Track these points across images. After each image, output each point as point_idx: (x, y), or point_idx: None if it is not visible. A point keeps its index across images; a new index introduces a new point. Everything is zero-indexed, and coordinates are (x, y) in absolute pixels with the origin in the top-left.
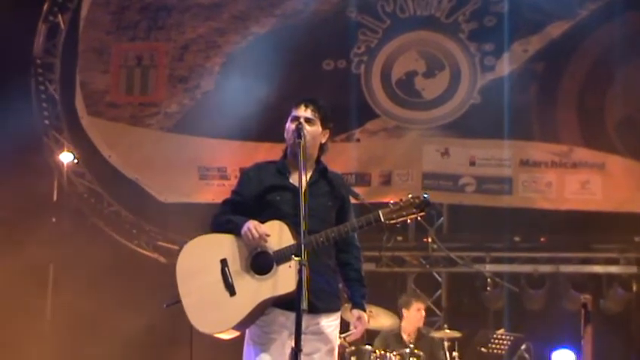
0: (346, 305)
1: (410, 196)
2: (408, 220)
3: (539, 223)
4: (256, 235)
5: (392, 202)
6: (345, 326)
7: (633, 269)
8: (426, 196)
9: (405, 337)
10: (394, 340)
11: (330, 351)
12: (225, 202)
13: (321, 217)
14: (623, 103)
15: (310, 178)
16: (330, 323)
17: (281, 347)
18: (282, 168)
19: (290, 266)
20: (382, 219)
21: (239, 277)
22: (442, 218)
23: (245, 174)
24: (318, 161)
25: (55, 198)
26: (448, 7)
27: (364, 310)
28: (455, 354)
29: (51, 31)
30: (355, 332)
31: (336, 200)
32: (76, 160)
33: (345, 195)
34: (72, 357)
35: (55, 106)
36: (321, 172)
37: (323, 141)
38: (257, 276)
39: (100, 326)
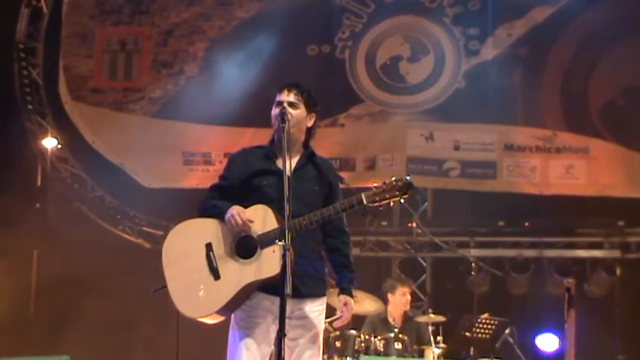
0: (332, 290)
1: (393, 179)
2: (391, 203)
3: (523, 207)
4: (240, 221)
5: (375, 185)
6: (331, 311)
7: (617, 253)
8: (408, 178)
9: (391, 321)
10: (381, 324)
11: (315, 336)
12: (213, 187)
13: (307, 201)
14: (607, 88)
15: (297, 162)
16: (315, 308)
17: (266, 332)
18: (268, 153)
19: (274, 250)
20: (365, 202)
21: (223, 262)
22: (426, 203)
23: (232, 159)
24: (305, 146)
25: (38, 183)
26: None
27: (351, 296)
28: (439, 338)
29: (33, 15)
30: (342, 318)
31: (323, 185)
32: (59, 146)
33: (332, 180)
34: (57, 343)
35: (38, 91)
36: (309, 157)
37: (309, 125)
38: (241, 260)
39: (84, 312)
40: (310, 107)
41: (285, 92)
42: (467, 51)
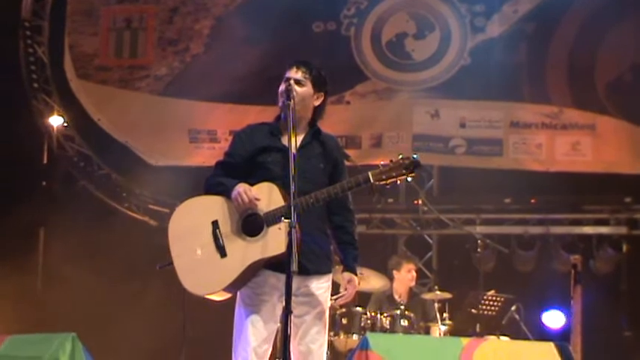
0: (337, 267)
1: (400, 157)
2: (398, 182)
3: (529, 184)
4: (246, 199)
5: (382, 163)
6: (336, 288)
7: (623, 230)
8: (415, 157)
9: (397, 297)
10: (387, 301)
11: (321, 313)
12: (218, 164)
13: (312, 178)
14: (614, 64)
15: (302, 140)
16: (320, 285)
17: (272, 309)
18: (274, 129)
19: (280, 228)
20: (371, 180)
21: (230, 239)
22: (432, 180)
23: (237, 135)
24: (312, 125)
25: (45, 161)
26: None
27: (355, 273)
28: (445, 315)
29: None
30: (346, 295)
31: (328, 163)
32: (65, 124)
33: (338, 157)
34: (62, 320)
35: (43, 69)
36: (314, 134)
37: (316, 104)
38: (248, 238)
39: (90, 290)
40: (318, 86)
41: (294, 69)
42: (473, 28)
